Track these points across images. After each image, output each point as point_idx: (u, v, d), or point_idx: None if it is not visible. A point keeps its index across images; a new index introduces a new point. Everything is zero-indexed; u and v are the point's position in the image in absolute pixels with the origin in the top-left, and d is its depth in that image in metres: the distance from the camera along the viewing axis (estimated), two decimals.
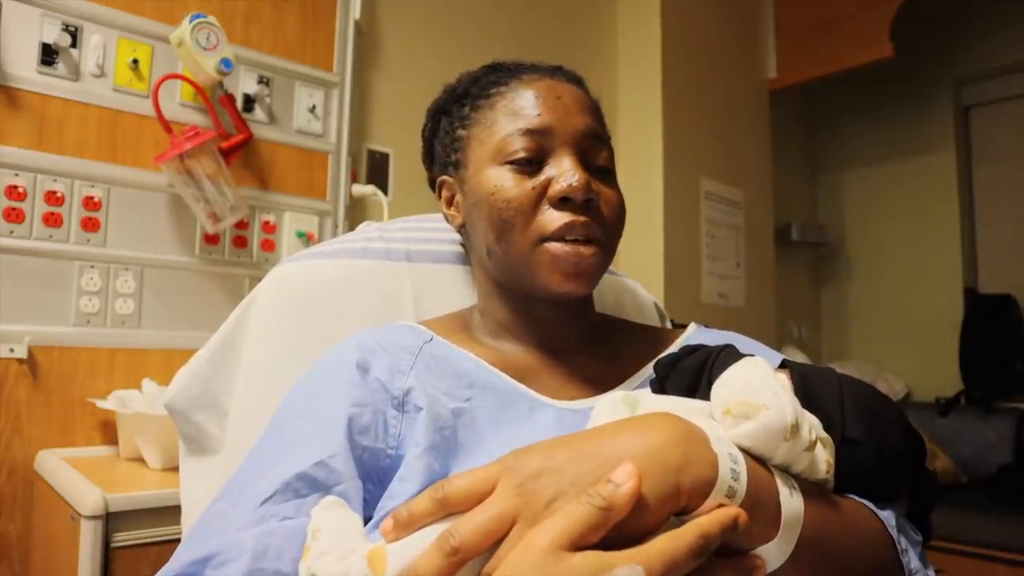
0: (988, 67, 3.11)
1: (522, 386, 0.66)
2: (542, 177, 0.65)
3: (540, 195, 0.64)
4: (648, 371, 0.70)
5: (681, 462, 0.42)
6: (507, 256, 0.66)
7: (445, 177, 0.74)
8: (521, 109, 0.67)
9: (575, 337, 0.72)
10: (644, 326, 0.84)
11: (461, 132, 0.72)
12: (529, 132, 0.66)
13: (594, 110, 0.71)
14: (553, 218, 0.64)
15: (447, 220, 0.76)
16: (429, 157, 0.80)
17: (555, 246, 0.63)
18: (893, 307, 3.30)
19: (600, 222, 0.65)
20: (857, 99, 3.46)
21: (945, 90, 3.21)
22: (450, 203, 0.75)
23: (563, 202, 0.64)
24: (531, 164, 0.66)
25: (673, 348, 0.73)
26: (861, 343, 3.44)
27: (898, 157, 3.34)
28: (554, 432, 0.60)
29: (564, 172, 0.64)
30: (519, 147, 0.65)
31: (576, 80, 0.74)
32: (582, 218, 0.64)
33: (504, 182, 0.65)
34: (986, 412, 2.68)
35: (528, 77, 0.70)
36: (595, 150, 0.68)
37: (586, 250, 0.64)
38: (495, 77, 0.72)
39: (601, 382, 0.69)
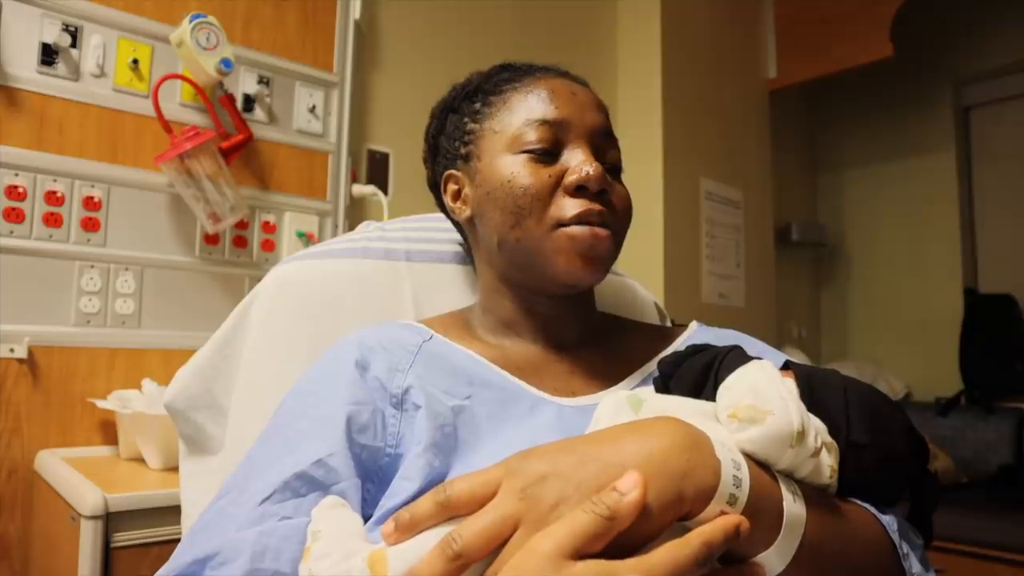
0: (988, 67, 3.11)
1: (523, 383, 0.66)
2: (557, 167, 0.66)
3: (556, 184, 0.66)
4: (649, 368, 0.70)
5: (685, 468, 0.42)
6: (520, 244, 0.67)
7: (452, 171, 0.74)
8: (537, 102, 0.68)
9: (577, 334, 0.73)
10: (645, 324, 0.84)
11: (473, 125, 0.72)
12: (546, 123, 0.67)
13: (604, 111, 0.72)
14: (569, 205, 0.65)
15: (453, 214, 0.76)
16: (432, 156, 0.79)
17: (572, 228, 0.64)
18: (893, 307, 3.30)
19: (613, 213, 0.67)
20: (857, 99, 3.46)
21: (945, 90, 3.21)
22: (456, 197, 0.74)
23: (579, 190, 0.65)
24: (547, 154, 0.67)
25: (675, 346, 0.74)
26: (861, 343, 3.44)
27: (898, 157, 3.34)
28: (556, 430, 0.60)
29: (580, 162, 0.65)
30: (536, 137, 0.67)
31: (585, 83, 0.75)
32: (597, 206, 0.65)
33: (520, 170, 0.66)
34: (986, 412, 2.68)
35: (540, 75, 0.72)
36: (606, 148, 0.70)
37: (602, 231, 0.65)
38: (508, 75, 0.73)
39: (602, 379, 0.69)
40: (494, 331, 0.73)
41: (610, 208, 0.67)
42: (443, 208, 0.79)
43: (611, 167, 0.70)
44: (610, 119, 0.73)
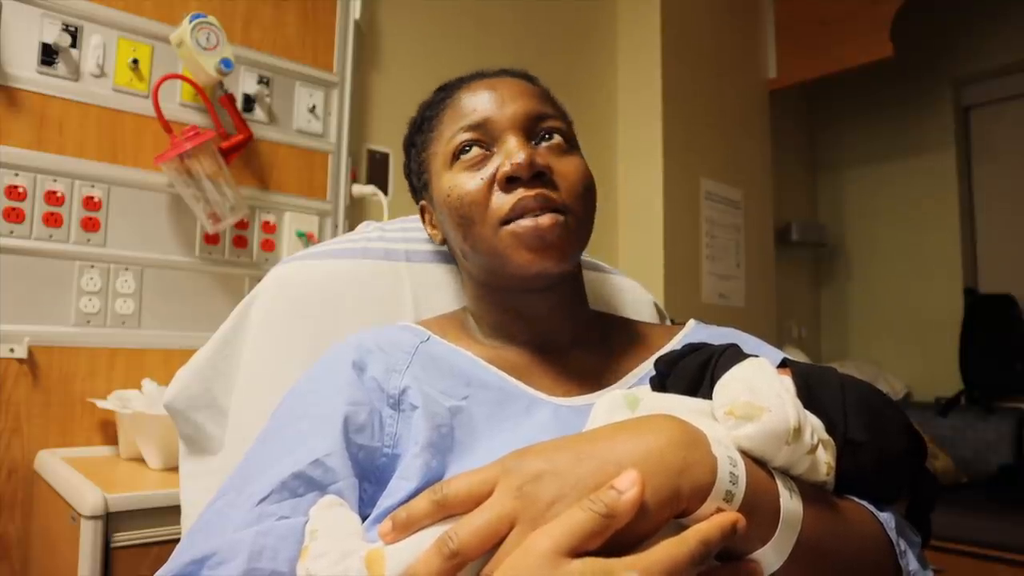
0: (988, 67, 3.11)
1: (519, 384, 0.66)
2: (491, 168, 0.66)
3: (491, 183, 0.66)
4: (646, 368, 0.70)
5: (681, 466, 0.42)
6: (476, 251, 0.67)
7: (423, 202, 0.78)
8: (460, 111, 0.69)
9: (569, 333, 0.72)
10: (641, 322, 0.84)
11: (423, 155, 0.75)
12: (468, 128, 0.68)
13: (540, 95, 0.71)
14: (504, 200, 0.64)
15: (432, 241, 0.80)
16: (412, 190, 0.82)
17: (514, 225, 0.64)
18: (893, 307, 3.30)
19: (559, 192, 0.65)
20: (857, 99, 3.46)
21: (945, 90, 3.21)
22: (432, 225, 0.78)
23: (511, 182, 0.64)
24: (480, 159, 0.67)
25: (672, 345, 0.74)
26: (861, 343, 3.44)
27: (898, 157, 3.34)
28: (552, 429, 0.61)
29: (508, 154, 0.65)
30: (462, 146, 0.68)
31: (522, 76, 0.74)
32: (532, 192, 0.64)
33: (458, 181, 0.67)
34: (986, 412, 2.68)
35: (470, 84, 0.72)
36: (543, 129, 0.69)
37: (545, 220, 0.63)
38: (442, 95, 0.75)
39: (598, 378, 0.69)
40: (487, 334, 0.73)
41: (553, 188, 0.65)
42: None
43: (552, 146, 0.68)
44: (552, 100, 0.72)
